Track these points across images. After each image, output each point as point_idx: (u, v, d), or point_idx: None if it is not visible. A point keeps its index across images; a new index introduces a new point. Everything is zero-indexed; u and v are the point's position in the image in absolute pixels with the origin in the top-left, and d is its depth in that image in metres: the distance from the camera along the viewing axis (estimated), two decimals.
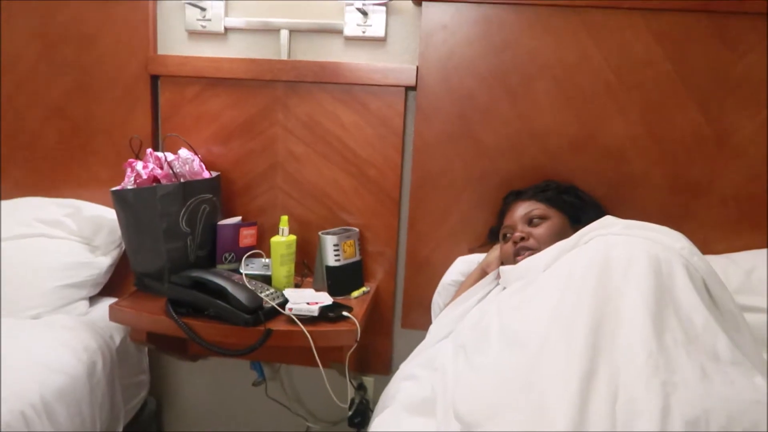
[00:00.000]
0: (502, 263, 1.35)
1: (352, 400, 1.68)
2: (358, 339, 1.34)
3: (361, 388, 1.73)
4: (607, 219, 1.16)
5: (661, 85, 1.46)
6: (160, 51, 1.69)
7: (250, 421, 1.87)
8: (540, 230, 1.29)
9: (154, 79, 1.69)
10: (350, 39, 1.61)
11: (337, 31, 1.61)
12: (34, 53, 1.72)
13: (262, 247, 1.63)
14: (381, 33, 1.58)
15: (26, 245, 1.55)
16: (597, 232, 1.11)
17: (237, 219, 1.64)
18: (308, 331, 1.30)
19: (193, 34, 1.68)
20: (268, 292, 1.40)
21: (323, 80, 1.59)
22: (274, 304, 1.36)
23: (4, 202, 1.68)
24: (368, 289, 1.59)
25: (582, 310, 0.89)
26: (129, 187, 1.49)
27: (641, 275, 0.93)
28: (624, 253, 0.99)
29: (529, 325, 0.95)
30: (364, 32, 1.58)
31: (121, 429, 1.55)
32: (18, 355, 1.28)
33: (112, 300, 1.51)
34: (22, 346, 1.33)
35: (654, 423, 0.71)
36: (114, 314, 1.42)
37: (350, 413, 1.68)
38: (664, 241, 1.03)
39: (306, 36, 1.63)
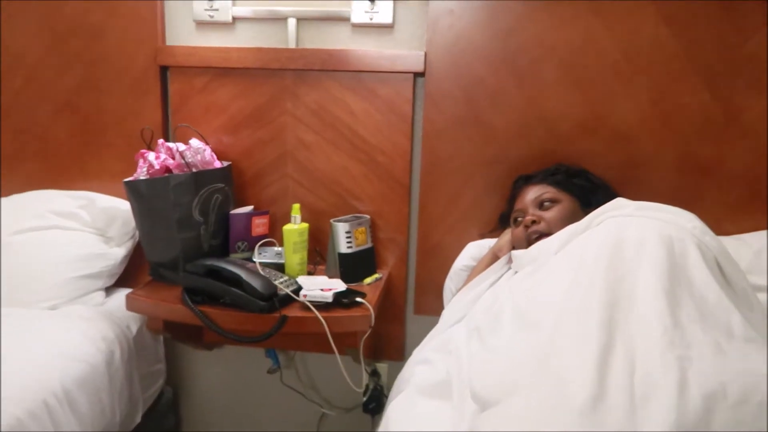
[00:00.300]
0: (514, 247, 1.35)
1: (367, 386, 1.70)
2: (372, 324, 1.35)
3: (374, 374, 1.75)
4: (619, 201, 1.17)
5: (670, 66, 1.46)
6: (169, 42, 1.70)
7: (266, 408, 1.90)
8: (551, 213, 1.30)
9: (164, 69, 1.70)
10: (357, 26, 1.61)
11: (344, 19, 1.61)
12: (43, 47, 1.72)
13: (274, 235, 1.65)
14: (388, 20, 1.58)
15: (41, 237, 1.56)
16: (609, 214, 1.12)
17: (249, 208, 1.65)
18: (323, 317, 1.32)
19: (201, 24, 1.68)
20: (281, 280, 1.41)
21: (331, 68, 1.60)
22: (288, 291, 1.38)
23: (17, 195, 1.70)
24: (380, 275, 1.61)
25: (596, 288, 0.90)
26: (142, 178, 1.50)
27: (654, 254, 0.93)
28: (636, 234, 0.99)
29: (543, 306, 0.96)
30: (371, 19, 1.58)
31: (139, 417, 1.58)
32: (38, 344, 1.31)
33: (127, 290, 1.52)
34: (41, 336, 1.35)
35: (672, 396, 0.72)
36: (131, 303, 1.44)
37: (365, 399, 1.70)
38: (676, 221, 1.04)
39: (313, 24, 1.63)
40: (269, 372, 1.82)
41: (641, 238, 0.98)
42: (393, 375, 1.41)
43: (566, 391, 0.75)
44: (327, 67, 1.60)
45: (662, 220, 1.04)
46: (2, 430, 1.07)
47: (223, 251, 1.61)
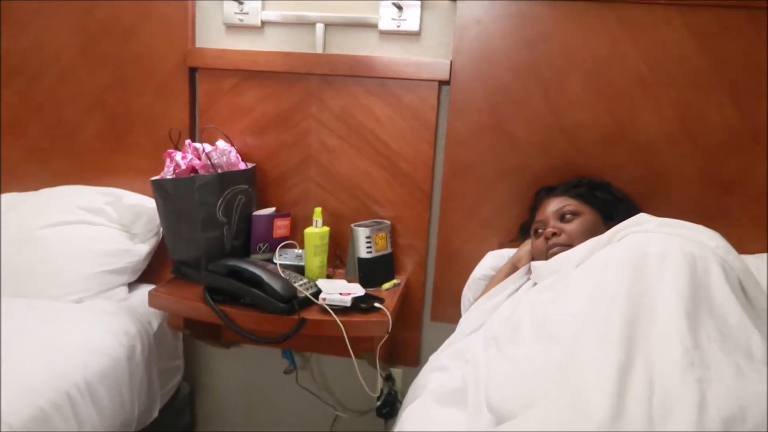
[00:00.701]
0: (533, 258, 1.36)
1: (381, 391, 1.71)
2: (389, 330, 1.36)
3: (389, 379, 1.75)
4: (642, 216, 1.17)
5: (696, 80, 1.45)
6: (198, 44, 1.73)
7: (281, 408, 1.91)
8: (572, 226, 1.30)
9: (192, 71, 1.73)
10: (385, 33, 1.62)
11: (371, 25, 1.62)
12: (75, 48, 1.77)
13: (295, 238, 1.67)
14: (415, 27, 1.59)
15: (69, 231, 1.60)
16: (631, 229, 1.11)
17: (271, 210, 1.67)
18: (341, 321, 1.33)
19: (231, 27, 1.71)
20: (301, 282, 1.43)
21: (357, 74, 1.61)
22: (307, 293, 1.39)
23: (47, 190, 1.74)
24: (399, 281, 1.62)
25: (617, 303, 0.90)
26: (168, 177, 1.53)
27: (676, 272, 0.93)
28: (659, 250, 0.99)
29: (562, 318, 0.96)
30: (398, 26, 1.60)
31: (156, 413, 1.60)
32: (63, 337, 1.34)
33: (149, 287, 1.55)
34: (66, 328, 1.38)
35: (691, 416, 0.72)
36: (153, 300, 1.47)
37: (379, 403, 1.71)
38: (699, 239, 1.03)
39: (341, 30, 1.65)
40: (285, 372, 1.84)
41: (664, 254, 0.98)
42: (407, 380, 1.41)
43: (585, 406, 0.76)
44: (353, 73, 1.61)
45: (685, 237, 1.03)
46: (26, 420, 1.10)
47: (245, 252, 1.63)
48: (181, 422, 1.85)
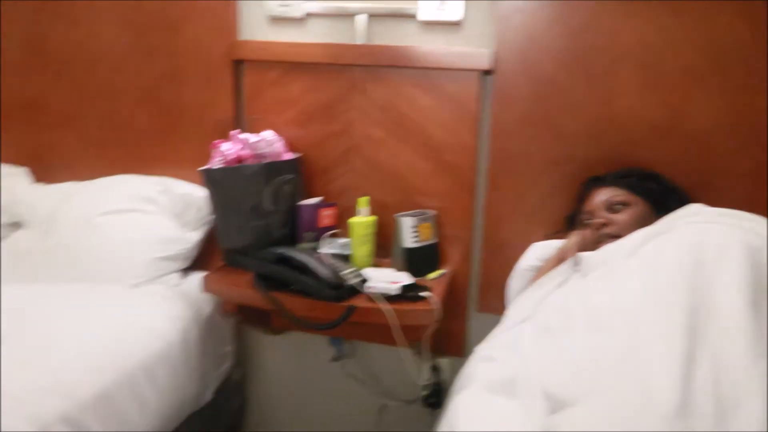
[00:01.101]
0: (581, 250, 1.35)
1: (428, 380, 1.72)
2: (438, 319, 1.38)
3: (435, 368, 1.77)
4: (695, 206, 1.15)
5: (750, 69, 1.41)
6: (243, 36, 1.75)
7: (328, 395, 1.94)
8: (622, 217, 1.29)
9: (238, 63, 1.76)
10: (426, 23, 1.62)
11: (413, 16, 1.62)
12: (127, 40, 1.81)
13: (340, 227, 1.69)
14: (457, 17, 1.59)
15: (125, 219, 1.65)
16: (686, 219, 1.10)
17: (317, 199, 1.70)
18: (389, 309, 1.35)
19: (274, 19, 1.73)
20: (348, 270, 1.45)
21: (399, 64, 1.62)
22: (356, 281, 1.42)
23: (104, 179, 1.80)
24: (445, 271, 1.63)
25: (677, 293, 0.90)
26: (217, 167, 1.57)
27: (736, 263, 0.92)
28: (717, 240, 0.98)
29: (618, 308, 0.96)
30: (440, 16, 1.59)
31: (209, 397, 1.65)
32: (122, 319, 1.39)
33: (200, 273, 1.60)
34: (125, 311, 1.43)
35: (761, 404, 0.72)
36: (207, 285, 1.51)
37: (425, 393, 1.72)
38: (757, 230, 1.02)
39: (382, 20, 1.66)
40: (333, 360, 1.87)
41: (722, 244, 0.97)
42: (454, 370, 1.43)
43: (651, 395, 0.76)
44: (395, 64, 1.62)
45: (743, 228, 1.02)
46: (91, 398, 1.15)
47: (291, 240, 1.66)
48: (233, 405, 1.90)
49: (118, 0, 1.79)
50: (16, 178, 1.87)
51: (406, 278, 1.43)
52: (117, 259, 1.60)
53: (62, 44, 1.86)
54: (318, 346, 1.89)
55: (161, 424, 1.36)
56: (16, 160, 1.94)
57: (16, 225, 1.79)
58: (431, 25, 1.62)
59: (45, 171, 1.93)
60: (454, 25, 1.60)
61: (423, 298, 1.41)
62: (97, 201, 1.69)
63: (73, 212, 1.68)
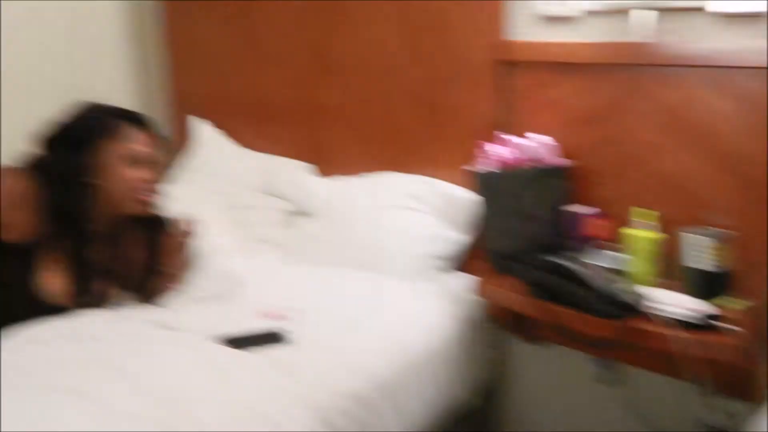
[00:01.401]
0: None
1: (713, 426, 1.49)
2: (742, 357, 1.19)
3: (721, 411, 1.52)
4: None
5: None
6: (510, 36, 1.71)
7: (587, 416, 1.80)
8: None
9: (503, 63, 1.72)
10: (718, 16, 1.41)
11: (701, 9, 1.43)
12: (396, 42, 1.90)
13: (611, 239, 1.56)
14: (758, 8, 1.34)
15: (396, 214, 1.74)
16: None
17: (586, 208, 1.61)
18: (678, 337, 1.20)
19: (544, 18, 1.66)
20: (628, 288, 1.34)
21: (686, 63, 1.45)
22: (638, 300, 1.30)
23: (372, 174, 1.91)
24: (751, 304, 1.40)
25: None
26: (487, 169, 1.57)
27: None
28: None
29: None
30: (735, 8, 1.38)
31: (473, 398, 1.66)
32: (407, 312, 1.47)
33: (465, 275, 1.62)
34: (408, 305, 1.51)
35: None
36: (483, 289, 1.53)
37: None
38: None
39: (665, 16, 1.48)
40: (598, 381, 1.69)
41: None
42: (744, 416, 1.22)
43: None
44: (680, 63, 1.46)
45: None
46: (371, 386, 1.21)
47: (556, 248, 1.59)
48: (492, 412, 1.90)
49: (388, 4, 1.89)
50: (301, 172, 2.10)
51: (700, 305, 1.27)
52: (391, 252, 1.69)
53: (342, 48, 2.02)
54: (579, 362, 1.75)
55: (429, 421, 1.39)
56: (299, 156, 2.16)
57: (301, 213, 2.01)
58: (724, 18, 1.41)
59: (324, 166, 2.12)
60: (754, 17, 1.36)
61: (715, 328, 1.24)
62: (371, 196, 1.82)
63: (353, 204, 1.83)
